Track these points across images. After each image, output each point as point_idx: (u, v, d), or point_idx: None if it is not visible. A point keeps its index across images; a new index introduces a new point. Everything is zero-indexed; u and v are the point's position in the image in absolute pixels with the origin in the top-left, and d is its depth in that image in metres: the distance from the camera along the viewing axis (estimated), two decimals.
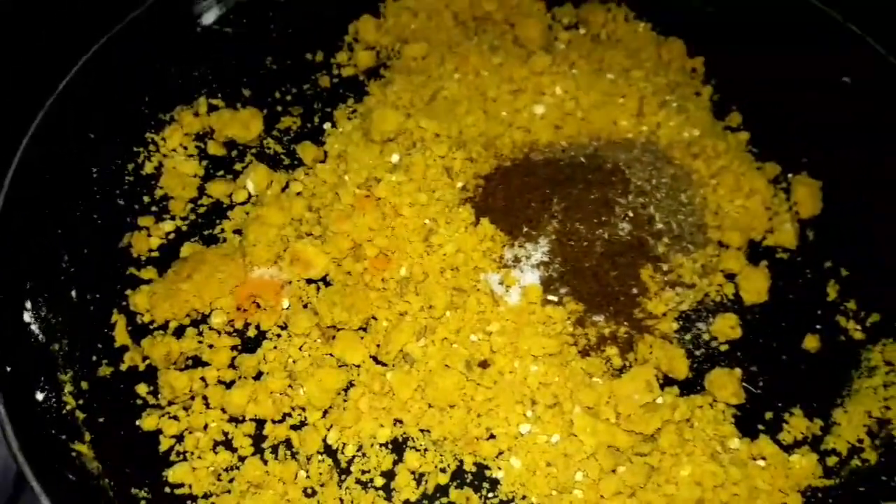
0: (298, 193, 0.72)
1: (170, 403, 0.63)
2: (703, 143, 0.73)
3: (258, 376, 0.64)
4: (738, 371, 0.63)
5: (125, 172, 0.73)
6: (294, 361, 0.64)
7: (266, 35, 0.81)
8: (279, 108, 0.78)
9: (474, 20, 0.83)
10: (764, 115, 0.77)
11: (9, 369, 0.60)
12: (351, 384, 0.63)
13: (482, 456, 0.60)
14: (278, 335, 0.66)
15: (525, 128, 0.74)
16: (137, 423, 0.62)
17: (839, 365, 0.65)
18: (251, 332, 0.66)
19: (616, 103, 0.75)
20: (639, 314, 0.65)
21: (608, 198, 0.69)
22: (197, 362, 0.65)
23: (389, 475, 0.60)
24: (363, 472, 0.61)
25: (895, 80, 0.75)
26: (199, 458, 0.61)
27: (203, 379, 0.64)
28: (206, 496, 0.59)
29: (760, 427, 0.62)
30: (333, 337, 0.65)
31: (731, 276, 0.69)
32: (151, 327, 0.66)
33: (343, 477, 0.60)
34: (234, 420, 0.62)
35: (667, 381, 0.63)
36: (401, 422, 0.62)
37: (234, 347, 0.66)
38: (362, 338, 0.65)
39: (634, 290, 0.66)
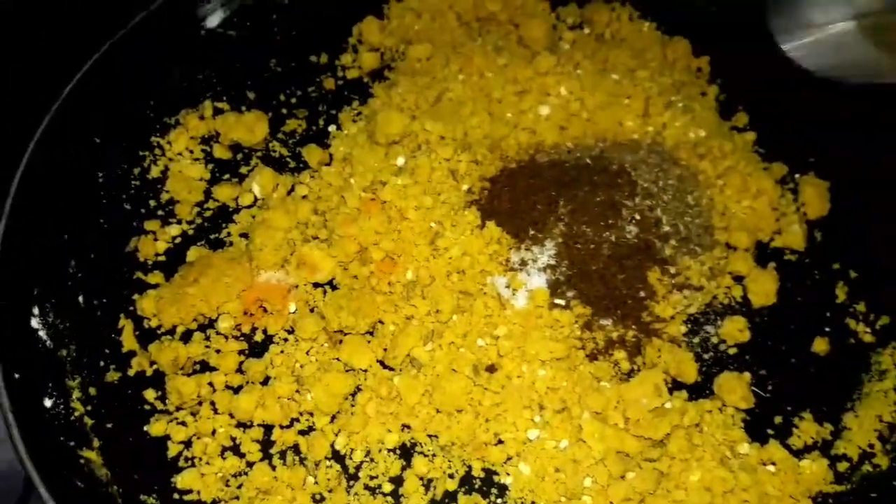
0: (304, 197, 0.72)
1: (178, 409, 0.63)
2: (709, 144, 0.73)
3: (266, 381, 0.64)
4: (747, 375, 0.63)
5: (131, 177, 0.73)
6: (301, 366, 0.64)
7: (270, 37, 0.81)
8: (284, 111, 0.77)
9: (478, 21, 0.83)
10: (770, 115, 0.77)
11: (17, 376, 0.60)
12: (358, 389, 0.63)
13: (490, 461, 0.60)
14: (285, 339, 0.66)
15: (530, 129, 0.74)
16: (145, 428, 0.62)
17: (849, 368, 0.65)
18: (258, 337, 0.66)
19: (621, 104, 0.74)
20: (647, 317, 0.65)
21: (615, 200, 0.68)
22: (204, 367, 0.65)
23: (398, 481, 0.60)
24: (371, 478, 0.61)
25: None
26: (208, 463, 0.61)
27: (211, 384, 0.64)
28: (214, 502, 0.59)
29: (770, 432, 0.62)
30: (340, 341, 0.65)
31: (738, 279, 0.68)
32: (159, 332, 0.66)
33: (351, 483, 0.60)
34: (242, 425, 0.63)
35: (675, 386, 0.63)
36: (409, 427, 0.62)
37: (241, 352, 0.65)
38: (369, 342, 0.65)
39: (642, 294, 0.65)
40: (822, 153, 0.74)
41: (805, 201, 0.72)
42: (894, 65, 0.61)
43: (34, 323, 0.64)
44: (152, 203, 0.72)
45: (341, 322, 0.64)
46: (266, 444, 0.62)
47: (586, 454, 0.59)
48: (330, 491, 0.60)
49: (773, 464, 0.60)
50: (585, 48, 0.79)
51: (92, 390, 0.64)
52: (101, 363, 0.65)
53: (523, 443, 0.60)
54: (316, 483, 0.60)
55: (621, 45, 0.80)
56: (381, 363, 0.64)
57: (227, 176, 0.74)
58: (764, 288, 0.67)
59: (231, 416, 0.63)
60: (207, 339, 0.66)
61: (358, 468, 0.61)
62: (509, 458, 0.60)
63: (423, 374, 0.62)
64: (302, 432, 0.62)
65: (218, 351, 0.65)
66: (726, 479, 0.58)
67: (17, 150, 0.68)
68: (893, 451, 0.61)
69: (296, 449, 0.62)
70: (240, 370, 0.65)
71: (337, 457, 0.61)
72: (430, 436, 0.62)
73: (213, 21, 0.80)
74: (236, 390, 0.64)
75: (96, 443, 0.61)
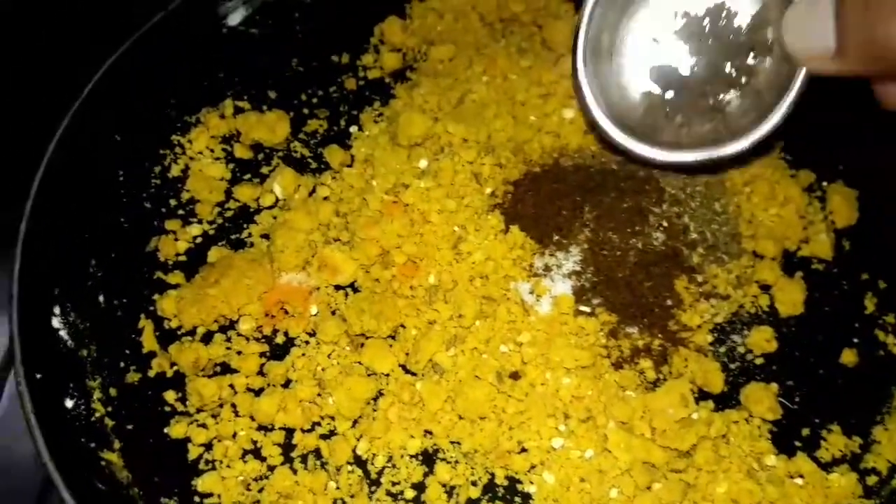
0: (326, 198, 0.71)
1: (198, 411, 0.63)
2: None
3: (287, 384, 0.63)
4: (774, 386, 0.62)
5: (151, 175, 0.73)
6: (323, 369, 0.64)
7: (292, 36, 0.80)
8: (305, 111, 0.77)
9: (501, 22, 0.82)
10: (798, 121, 0.75)
11: (38, 376, 0.59)
12: (380, 393, 0.63)
13: (514, 470, 0.60)
14: (307, 342, 0.65)
15: (554, 132, 0.73)
16: (166, 430, 0.62)
17: (878, 380, 0.64)
18: (279, 339, 0.66)
19: None
20: (673, 326, 0.64)
21: (642, 206, 0.67)
22: (225, 369, 0.64)
23: (420, 487, 0.60)
24: (393, 484, 0.60)
25: None
26: (228, 467, 0.61)
27: (232, 386, 0.63)
28: None
29: (797, 444, 0.61)
30: (362, 345, 0.64)
31: (765, 288, 0.67)
32: (179, 333, 0.66)
33: (373, 488, 0.60)
34: (263, 428, 0.62)
35: (701, 395, 0.62)
36: (431, 433, 0.61)
37: (262, 354, 0.65)
38: (391, 346, 0.64)
39: (669, 302, 0.64)
40: (850, 161, 0.73)
41: (833, 210, 0.71)
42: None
43: (55, 323, 0.64)
44: (173, 202, 0.72)
45: (363, 325, 0.63)
46: (287, 447, 0.61)
47: (612, 464, 0.58)
48: (352, 496, 0.59)
49: (801, 476, 0.59)
50: None
51: (112, 391, 0.63)
52: (122, 364, 0.65)
53: (547, 451, 0.60)
54: (338, 488, 0.60)
55: None
56: (403, 368, 0.64)
57: (248, 176, 0.74)
58: (791, 297, 0.66)
59: (252, 418, 0.62)
60: (228, 340, 0.66)
61: (380, 474, 0.60)
62: (533, 467, 0.60)
63: (445, 380, 0.62)
64: (323, 436, 0.62)
65: (239, 353, 0.65)
66: (753, 492, 0.57)
67: (38, 149, 0.67)
68: None
69: (317, 453, 0.61)
70: (261, 372, 0.64)
71: (359, 462, 0.61)
72: (452, 442, 0.61)
73: (235, 19, 0.79)
74: (257, 393, 0.63)
75: (117, 444, 0.61)
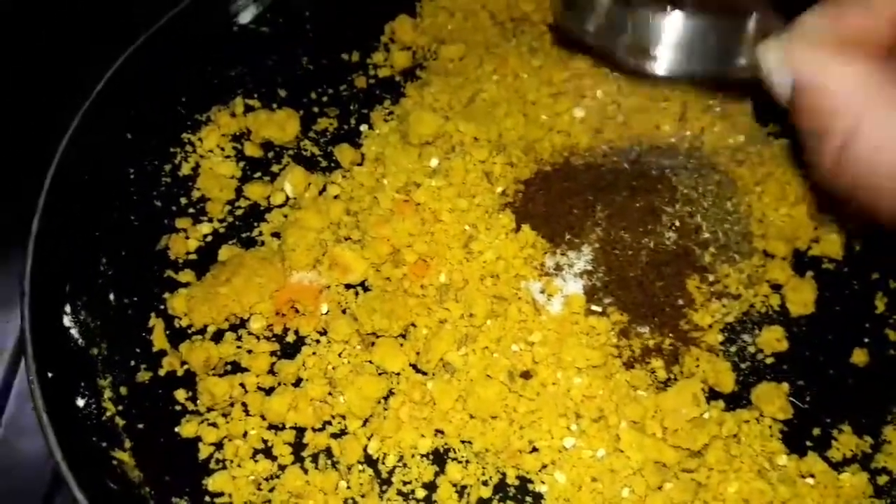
0: (336, 196, 0.71)
1: (209, 410, 0.63)
2: (747, 150, 0.72)
3: (298, 383, 0.63)
4: (785, 385, 0.62)
5: (162, 174, 0.73)
6: (334, 368, 0.64)
7: (302, 35, 0.80)
8: (315, 109, 0.77)
9: (512, 21, 0.82)
10: None
11: (50, 375, 0.59)
12: (391, 393, 0.63)
13: (525, 469, 0.60)
14: (317, 341, 0.65)
15: (565, 132, 0.73)
16: (176, 429, 0.62)
17: (889, 380, 0.64)
18: (290, 338, 0.66)
19: (658, 107, 0.74)
20: (684, 326, 0.64)
21: (654, 205, 0.67)
22: (236, 368, 0.64)
23: (431, 487, 0.60)
24: (404, 484, 0.60)
25: None
26: (239, 466, 0.60)
27: (242, 385, 0.63)
28: None
29: (808, 443, 0.61)
30: (373, 344, 0.64)
31: (776, 287, 0.67)
32: (190, 331, 0.66)
33: (384, 488, 0.60)
34: (274, 427, 0.62)
35: (712, 395, 0.62)
36: (442, 432, 0.61)
37: (273, 353, 0.65)
38: (402, 345, 0.64)
39: (680, 301, 0.64)
40: None
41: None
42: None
43: (66, 321, 0.64)
44: (183, 201, 0.72)
45: (374, 324, 0.63)
46: (298, 447, 0.61)
47: (623, 464, 0.58)
48: (363, 496, 0.59)
49: (812, 476, 0.59)
50: None
51: (123, 390, 0.63)
52: (133, 362, 0.65)
53: (559, 451, 0.60)
54: (349, 488, 0.60)
55: None
56: (414, 367, 0.63)
57: (258, 174, 0.74)
58: (802, 297, 0.66)
59: (263, 417, 0.62)
60: (239, 339, 0.65)
61: (391, 473, 0.60)
62: (544, 467, 0.60)
63: (456, 379, 0.62)
64: (334, 436, 0.62)
65: (249, 352, 0.65)
66: (765, 492, 0.57)
67: (49, 148, 0.67)
68: None
69: (328, 452, 0.61)
70: (271, 371, 0.64)
71: (370, 461, 0.61)
72: (463, 442, 0.61)
73: (245, 17, 0.79)
74: (268, 392, 0.63)
75: (128, 443, 0.61)
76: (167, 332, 0.66)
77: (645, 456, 0.58)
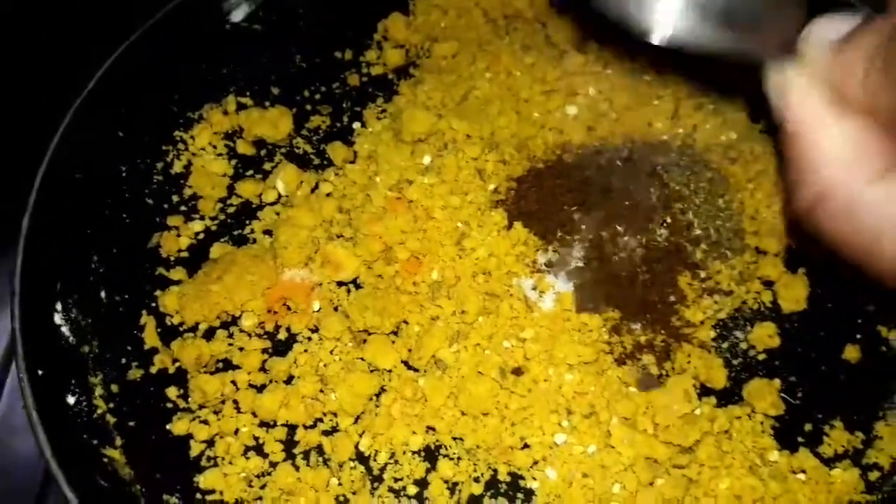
0: (329, 194, 0.71)
1: (200, 407, 0.63)
2: (740, 147, 0.72)
3: (289, 380, 0.63)
4: (776, 381, 0.62)
5: (154, 171, 0.73)
6: (325, 365, 0.64)
7: (295, 33, 0.80)
8: (308, 107, 0.77)
9: (505, 18, 0.82)
10: None
11: (40, 372, 0.59)
12: (382, 390, 0.63)
13: (516, 466, 0.60)
14: (309, 338, 0.65)
15: (558, 129, 0.73)
16: (168, 427, 0.62)
17: (880, 376, 0.64)
18: (282, 335, 0.66)
19: (651, 105, 0.74)
20: (676, 322, 0.64)
21: (646, 203, 0.67)
22: (227, 365, 0.64)
23: (422, 483, 0.60)
24: (396, 481, 0.60)
25: None
26: (231, 463, 0.60)
27: (234, 382, 0.63)
28: (237, 503, 0.59)
29: (800, 439, 0.61)
30: (364, 341, 0.64)
31: (768, 284, 0.67)
32: (181, 329, 0.66)
33: (375, 485, 0.60)
34: (265, 425, 0.62)
35: (704, 391, 0.62)
36: (433, 429, 0.61)
37: (264, 350, 0.65)
38: (393, 342, 0.64)
39: (672, 298, 0.64)
40: None
41: None
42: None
43: (57, 319, 0.64)
44: (175, 199, 0.72)
45: (366, 322, 0.63)
46: (289, 444, 0.61)
47: (615, 460, 0.58)
48: (354, 493, 0.59)
49: (804, 472, 0.59)
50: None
51: (114, 388, 0.63)
52: (124, 360, 0.64)
53: (550, 447, 0.60)
54: (340, 485, 0.60)
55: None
56: (406, 364, 0.63)
57: (250, 172, 0.74)
58: (794, 293, 0.66)
59: (254, 415, 0.62)
60: (230, 336, 0.65)
61: (382, 470, 0.60)
62: (536, 463, 0.60)
63: (448, 376, 0.62)
64: (326, 433, 0.62)
65: (241, 349, 0.65)
66: (756, 488, 0.57)
67: (40, 145, 0.67)
68: None
69: (319, 450, 0.61)
70: (263, 369, 0.64)
71: (361, 458, 0.61)
72: (455, 438, 0.61)
73: (238, 15, 0.79)
74: (260, 389, 0.63)
75: (119, 441, 0.61)
76: (159, 330, 0.66)
77: (636, 452, 0.58)
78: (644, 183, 0.69)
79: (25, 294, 0.62)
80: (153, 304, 0.67)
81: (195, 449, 0.61)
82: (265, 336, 0.66)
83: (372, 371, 0.63)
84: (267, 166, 0.74)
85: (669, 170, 0.69)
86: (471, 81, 0.75)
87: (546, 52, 0.76)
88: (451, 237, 0.66)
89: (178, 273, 0.68)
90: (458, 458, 0.60)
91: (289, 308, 0.67)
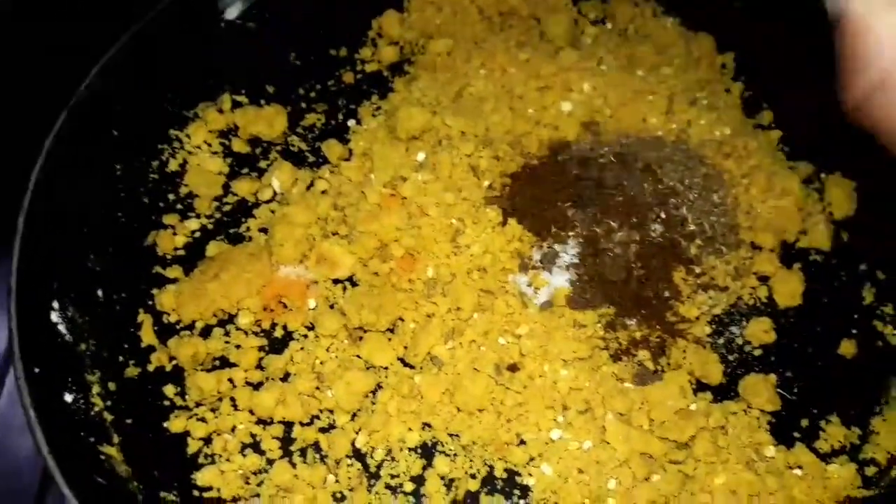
0: (324, 192, 0.71)
1: (197, 405, 0.63)
2: (734, 142, 0.72)
3: (286, 378, 0.64)
4: (772, 377, 0.62)
5: (149, 170, 0.73)
6: (322, 363, 0.64)
7: (289, 30, 0.80)
8: (303, 105, 0.77)
9: (500, 15, 0.81)
10: (796, 113, 0.75)
11: (37, 370, 0.59)
12: (379, 387, 0.63)
13: (512, 462, 0.60)
14: (305, 336, 0.65)
15: (552, 125, 0.73)
16: (165, 424, 0.62)
17: (876, 371, 0.64)
18: (278, 333, 0.66)
19: (645, 101, 0.73)
20: (671, 318, 0.64)
21: (641, 198, 0.67)
22: (224, 363, 0.64)
23: (419, 480, 0.60)
24: (392, 477, 0.60)
25: None
26: (228, 460, 0.61)
27: (231, 380, 0.63)
28: (234, 500, 0.59)
29: (796, 435, 0.61)
30: (361, 338, 0.64)
31: (764, 279, 0.67)
32: (178, 327, 0.66)
33: (372, 482, 0.60)
34: (262, 422, 0.62)
35: (699, 387, 0.62)
36: (429, 426, 0.61)
37: (261, 348, 0.65)
38: (389, 339, 0.64)
39: (667, 294, 0.65)
40: (848, 152, 0.73)
41: (831, 201, 0.71)
42: None
43: (54, 317, 0.64)
44: (171, 197, 0.72)
45: (362, 319, 0.63)
46: (286, 441, 0.62)
47: (610, 456, 0.58)
48: (351, 490, 0.59)
49: (800, 468, 0.59)
50: (608, 44, 0.78)
51: (111, 385, 0.63)
52: (121, 358, 0.65)
53: (546, 443, 0.60)
54: (337, 482, 0.60)
55: (644, 41, 0.79)
56: (402, 361, 0.64)
57: (245, 170, 0.74)
58: (789, 289, 0.66)
59: (251, 412, 0.62)
60: (227, 334, 0.66)
61: (379, 467, 0.60)
62: (532, 459, 0.60)
63: (444, 373, 0.62)
64: (322, 430, 0.62)
65: (238, 347, 0.65)
66: (752, 483, 0.57)
67: (36, 144, 0.67)
68: None
69: (316, 447, 0.61)
70: (259, 366, 0.64)
71: (358, 455, 0.61)
72: (451, 435, 0.61)
73: (233, 13, 0.79)
74: (256, 387, 0.63)
75: (116, 439, 0.61)
76: (155, 328, 0.66)
77: (631, 448, 0.58)
78: (638, 179, 0.69)
79: (22, 293, 0.62)
80: (150, 303, 0.67)
81: (192, 446, 0.61)
82: (261, 334, 0.66)
83: (368, 368, 0.63)
84: (262, 164, 0.74)
85: (664, 165, 0.69)
86: (465, 78, 0.75)
87: (540, 49, 0.76)
88: (445, 234, 0.66)
89: (174, 271, 0.68)
90: (455, 455, 0.61)
91: (285, 306, 0.67)
